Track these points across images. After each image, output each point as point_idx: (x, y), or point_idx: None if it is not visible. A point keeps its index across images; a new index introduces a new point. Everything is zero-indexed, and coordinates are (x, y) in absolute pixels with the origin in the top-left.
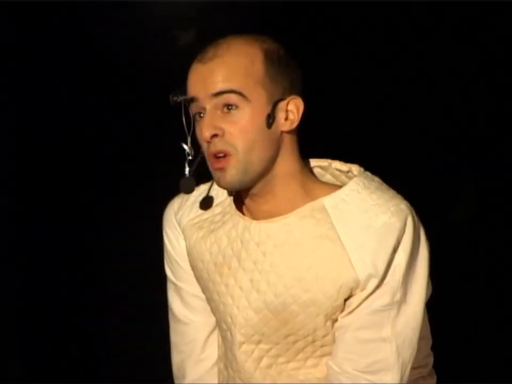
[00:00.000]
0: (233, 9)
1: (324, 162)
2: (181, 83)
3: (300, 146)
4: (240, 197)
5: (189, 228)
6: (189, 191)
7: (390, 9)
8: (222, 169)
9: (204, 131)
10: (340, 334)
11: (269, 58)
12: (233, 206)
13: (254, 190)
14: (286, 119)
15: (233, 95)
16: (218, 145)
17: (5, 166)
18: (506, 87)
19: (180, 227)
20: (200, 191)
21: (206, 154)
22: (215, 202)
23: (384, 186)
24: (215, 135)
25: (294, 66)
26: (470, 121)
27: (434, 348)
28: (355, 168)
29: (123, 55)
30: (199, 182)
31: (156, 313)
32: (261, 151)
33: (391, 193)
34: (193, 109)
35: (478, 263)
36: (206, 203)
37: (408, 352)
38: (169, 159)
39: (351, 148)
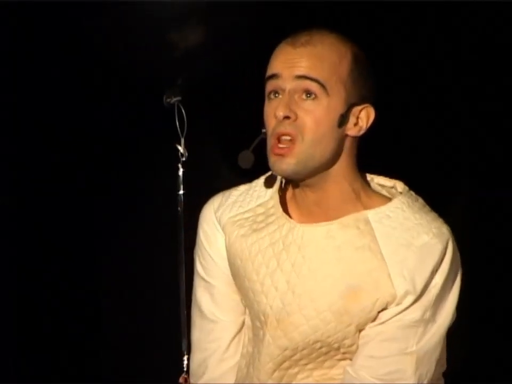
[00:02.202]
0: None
1: (366, 176)
2: (174, 84)
3: (359, 154)
4: (284, 199)
5: (230, 225)
6: (247, 164)
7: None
8: (281, 156)
9: (279, 109)
10: (364, 343)
11: (356, 62)
12: (280, 209)
13: (307, 182)
14: (356, 124)
15: (316, 84)
16: (288, 127)
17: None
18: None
19: (220, 224)
20: (241, 191)
21: (270, 134)
22: (257, 203)
23: (427, 208)
24: (287, 117)
25: (373, 76)
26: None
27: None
28: (399, 185)
29: (117, 56)
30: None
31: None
32: (325, 147)
33: (433, 215)
34: (270, 86)
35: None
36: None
37: (426, 368)
38: (164, 160)
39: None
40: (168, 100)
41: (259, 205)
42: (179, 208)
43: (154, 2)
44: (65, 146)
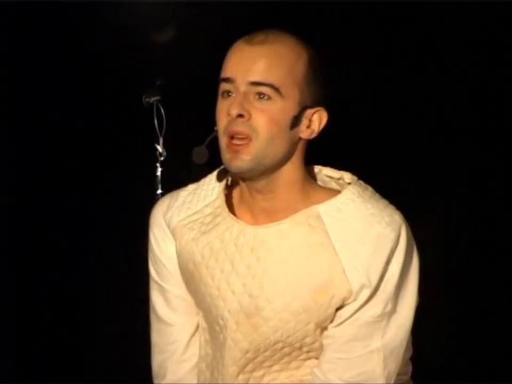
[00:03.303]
0: (214, 9)
1: (314, 168)
2: (153, 84)
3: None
4: (231, 199)
5: (179, 229)
6: (201, 160)
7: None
8: (236, 152)
9: (233, 108)
10: (329, 344)
11: (311, 64)
12: (226, 209)
13: (257, 186)
14: (308, 127)
15: (270, 88)
16: (241, 126)
17: None
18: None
19: (169, 228)
20: (189, 191)
21: (222, 132)
22: (204, 203)
23: (377, 196)
24: (240, 115)
25: (328, 79)
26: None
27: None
28: (347, 176)
29: (97, 56)
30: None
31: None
32: (278, 147)
33: (384, 203)
34: (224, 87)
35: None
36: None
37: (395, 364)
38: (143, 160)
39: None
40: (147, 99)
41: (206, 205)
42: None
43: (134, 3)
44: (42, 144)
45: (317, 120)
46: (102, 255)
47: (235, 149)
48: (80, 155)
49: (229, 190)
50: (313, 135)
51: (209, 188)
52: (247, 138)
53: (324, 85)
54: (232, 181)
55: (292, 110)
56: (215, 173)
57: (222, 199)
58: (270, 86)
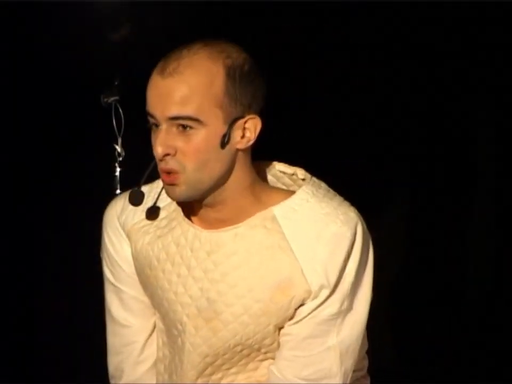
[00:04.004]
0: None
1: (268, 163)
2: (111, 84)
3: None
4: (188, 203)
5: (134, 232)
6: (138, 203)
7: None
8: (171, 185)
9: (157, 148)
10: (285, 341)
11: (231, 77)
12: (181, 213)
13: (204, 201)
14: (243, 137)
15: (189, 120)
16: (169, 163)
17: None
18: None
19: (124, 230)
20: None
21: (158, 167)
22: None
23: (331, 192)
24: (167, 154)
25: (258, 83)
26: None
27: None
28: (300, 172)
29: (55, 55)
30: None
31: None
32: (212, 169)
33: (338, 199)
34: (150, 120)
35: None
36: (152, 212)
37: (351, 360)
38: (101, 160)
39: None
40: (106, 99)
41: (162, 209)
42: None
43: (92, 3)
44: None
45: (251, 127)
46: (58, 255)
47: (169, 181)
48: (38, 155)
49: None
50: (251, 143)
51: (163, 191)
52: (177, 173)
53: (251, 90)
54: None
55: (219, 132)
56: None
57: (176, 203)
58: (188, 118)
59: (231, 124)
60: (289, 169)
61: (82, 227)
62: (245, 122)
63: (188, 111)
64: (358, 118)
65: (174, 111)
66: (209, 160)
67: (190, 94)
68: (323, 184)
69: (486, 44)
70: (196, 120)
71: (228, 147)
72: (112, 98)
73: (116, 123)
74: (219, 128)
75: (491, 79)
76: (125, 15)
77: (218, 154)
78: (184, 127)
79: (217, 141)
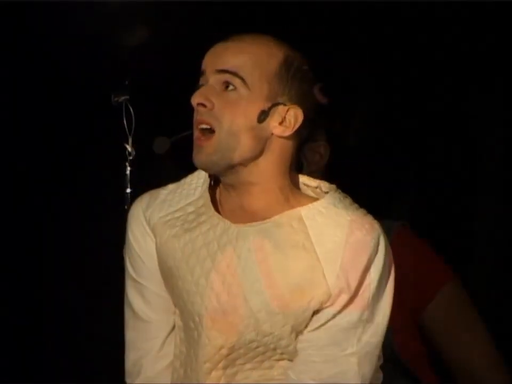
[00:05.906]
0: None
1: (293, 174)
2: (122, 83)
3: (295, 158)
4: (214, 199)
5: (160, 225)
6: (161, 150)
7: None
8: (200, 147)
9: (194, 97)
10: (304, 348)
11: (288, 64)
12: (211, 208)
13: (228, 180)
14: (281, 123)
15: (236, 77)
16: (204, 115)
17: None
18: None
19: (149, 225)
20: (169, 189)
21: (194, 125)
22: (186, 201)
23: (356, 205)
24: (203, 105)
25: (310, 82)
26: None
27: None
28: (324, 185)
29: (65, 55)
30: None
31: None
32: (245, 141)
33: (363, 211)
34: (200, 81)
35: None
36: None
37: (368, 368)
38: (112, 159)
39: None
40: (116, 98)
41: (189, 204)
42: (126, 207)
43: (103, 3)
44: (14, 144)
45: (292, 118)
46: (69, 254)
47: (199, 143)
48: (49, 155)
49: (212, 190)
50: (288, 133)
51: (191, 188)
52: (210, 130)
53: (302, 88)
54: (215, 182)
55: (260, 104)
56: (196, 173)
57: (206, 198)
58: (235, 74)
59: (274, 104)
60: (313, 182)
61: (93, 226)
62: (287, 110)
63: (237, 67)
64: (359, 118)
65: (224, 64)
66: (243, 130)
67: (244, 55)
68: (348, 197)
69: (493, 44)
70: (241, 79)
71: (264, 125)
72: (122, 98)
73: (126, 122)
74: (261, 100)
75: (498, 80)
76: (136, 15)
77: (253, 129)
78: (227, 87)
79: (256, 112)
